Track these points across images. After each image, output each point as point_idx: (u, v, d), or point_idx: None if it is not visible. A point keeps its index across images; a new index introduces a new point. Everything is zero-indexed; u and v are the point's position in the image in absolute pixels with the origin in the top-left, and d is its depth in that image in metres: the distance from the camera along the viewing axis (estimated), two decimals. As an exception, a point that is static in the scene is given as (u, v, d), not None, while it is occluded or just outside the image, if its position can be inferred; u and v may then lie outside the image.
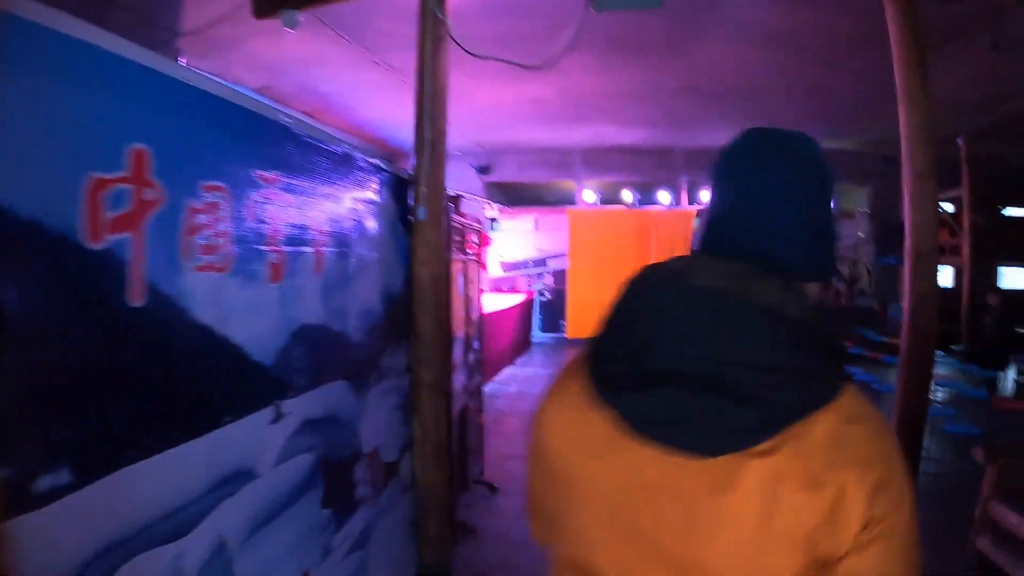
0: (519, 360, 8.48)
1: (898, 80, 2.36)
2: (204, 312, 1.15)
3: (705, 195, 8.01)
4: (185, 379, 1.11)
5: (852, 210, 10.32)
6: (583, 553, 0.61)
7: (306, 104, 7.41)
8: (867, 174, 10.01)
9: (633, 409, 0.56)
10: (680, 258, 0.64)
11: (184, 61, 4.11)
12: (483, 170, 10.39)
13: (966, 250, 8.34)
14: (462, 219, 3.40)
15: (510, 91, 6.70)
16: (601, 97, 6.79)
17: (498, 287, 10.37)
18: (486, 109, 7.43)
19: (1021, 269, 9.29)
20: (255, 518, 1.30)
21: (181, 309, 1.09)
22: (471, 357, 3.59)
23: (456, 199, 10.63)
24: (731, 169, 0.66)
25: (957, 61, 5.11)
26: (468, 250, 3.55)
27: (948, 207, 9.26)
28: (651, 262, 0.64)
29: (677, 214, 9.80)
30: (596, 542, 0.60)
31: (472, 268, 3.63)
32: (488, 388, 6.59)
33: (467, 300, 3.39)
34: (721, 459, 0.53)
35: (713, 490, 0.54)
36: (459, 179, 10.24)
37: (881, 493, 0.52)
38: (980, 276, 8.71)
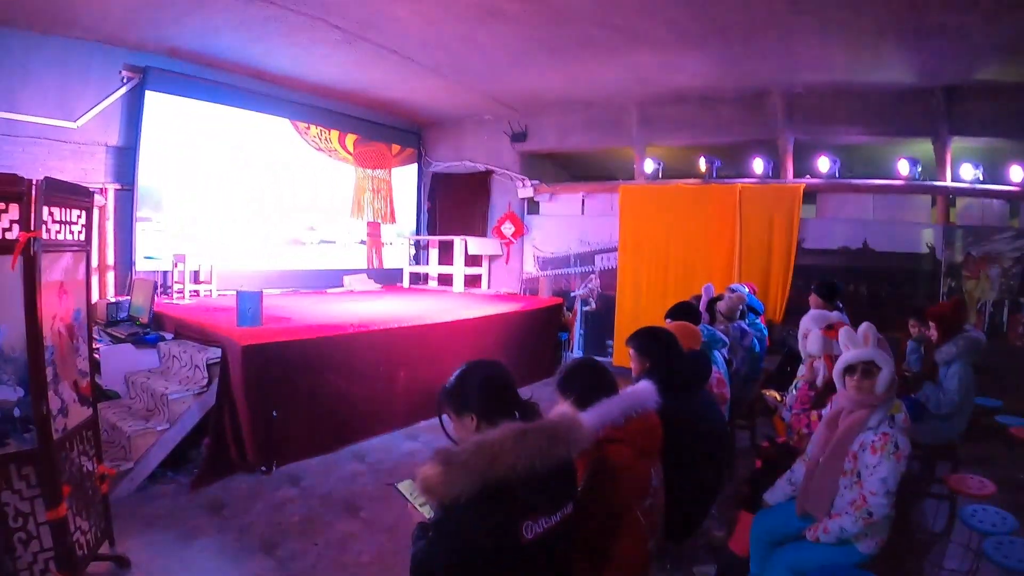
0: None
1: None
2: None
3: (825, 163, 4.76)
4: None
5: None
6: None
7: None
8: None
9: None
10: None
11: None
12: (517, 138, 8.02)
13: None
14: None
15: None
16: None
17: (532, 287, 8.22)
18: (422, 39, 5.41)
19: None
20: None
21: None
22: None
23: (486, 174, 8.32)
24: None
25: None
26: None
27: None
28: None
29: (776, 189, 6.51)
30: None
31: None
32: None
33: None
34: None
35: None
36: (491, 151, 8.30)
37: None
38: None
